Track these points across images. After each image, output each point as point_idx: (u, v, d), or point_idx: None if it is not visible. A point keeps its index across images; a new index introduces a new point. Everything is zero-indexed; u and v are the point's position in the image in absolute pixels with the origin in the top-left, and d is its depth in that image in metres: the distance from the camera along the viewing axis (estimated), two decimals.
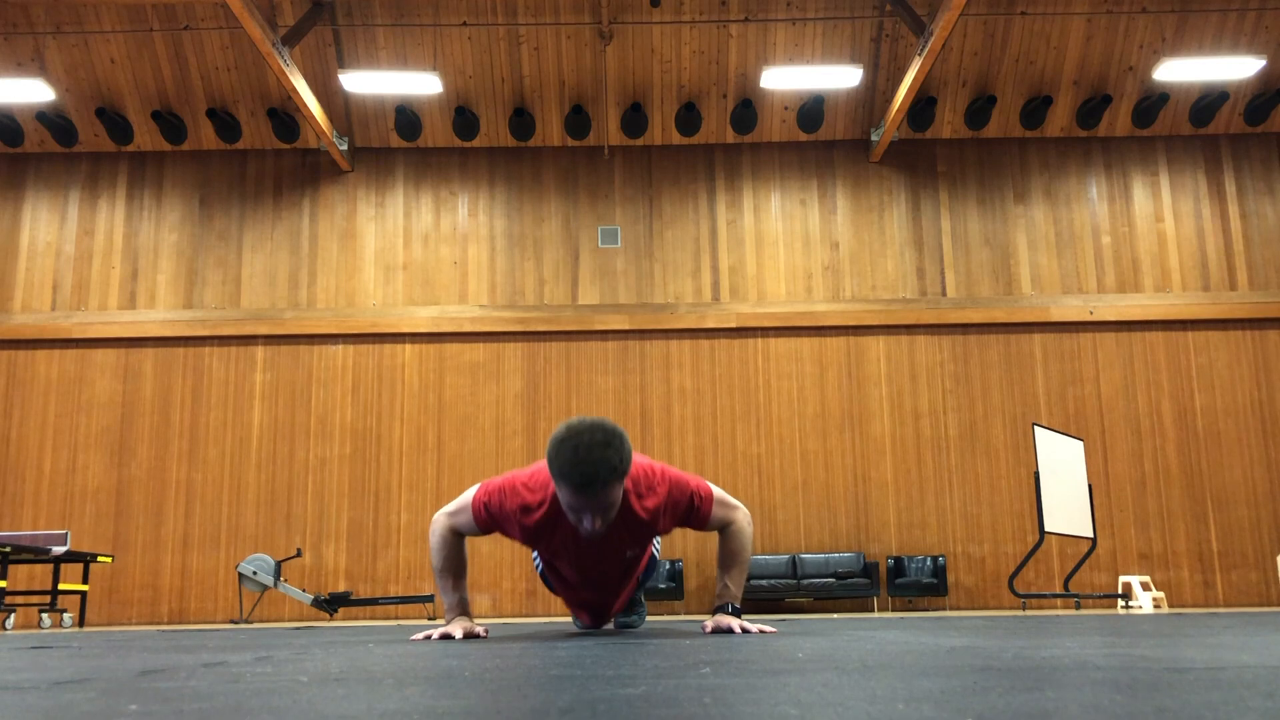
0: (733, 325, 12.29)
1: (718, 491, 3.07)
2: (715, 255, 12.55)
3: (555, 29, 11.90)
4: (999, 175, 12.77)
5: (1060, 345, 12.29)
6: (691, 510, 2.98)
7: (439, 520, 3.05)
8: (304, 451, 12.05)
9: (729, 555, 3.10)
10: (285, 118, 12.26)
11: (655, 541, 3.45)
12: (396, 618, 11.38)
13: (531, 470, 2.96)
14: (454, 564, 3.04)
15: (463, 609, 3.04)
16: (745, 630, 2.92)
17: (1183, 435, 12.07)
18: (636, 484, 2.89)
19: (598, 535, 2.81)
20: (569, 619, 6.83)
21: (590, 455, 2.58)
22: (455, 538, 3.04)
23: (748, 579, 11.15)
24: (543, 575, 3.42)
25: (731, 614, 3.04)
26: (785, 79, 11.67)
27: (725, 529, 3.10)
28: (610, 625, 3.60)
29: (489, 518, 2.94)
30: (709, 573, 11.77)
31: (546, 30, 11.90)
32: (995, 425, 12.10)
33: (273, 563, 10.61)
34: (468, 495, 3.01)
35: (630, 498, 2.87)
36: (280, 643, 3.09)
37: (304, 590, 11.03)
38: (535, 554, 3.33)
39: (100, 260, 12.56)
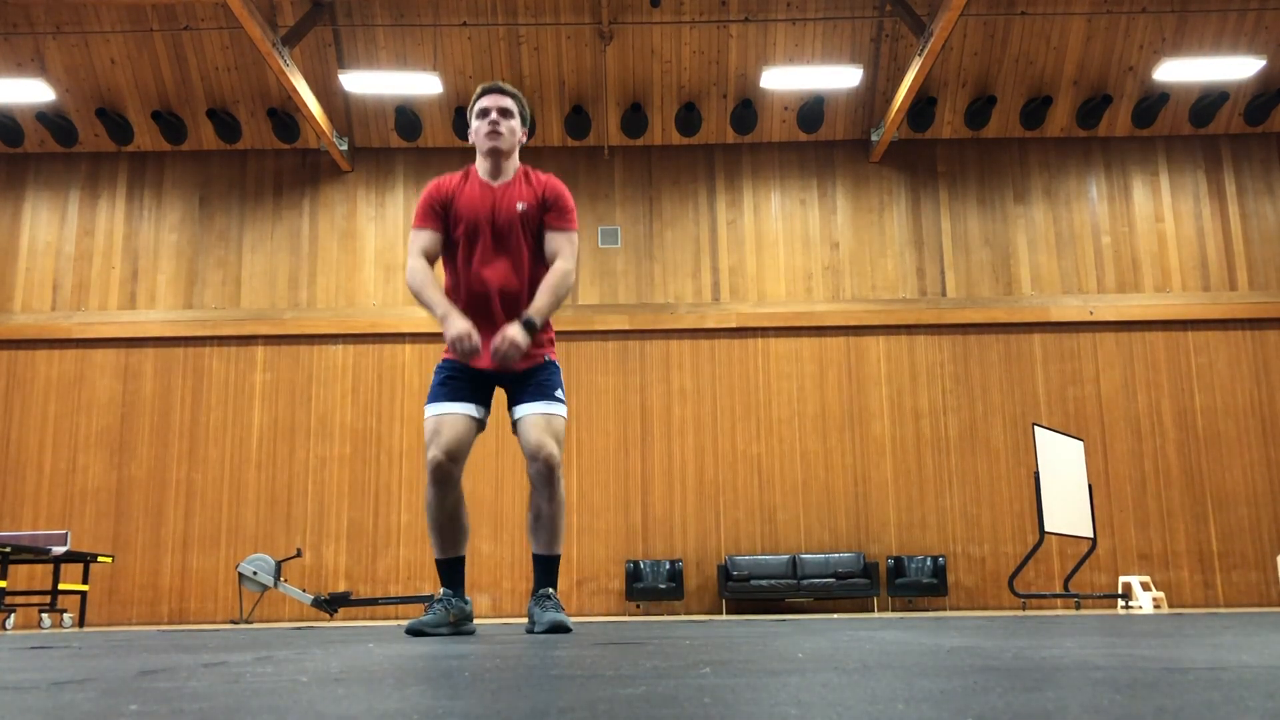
0: (733, 325, 12.29)
1: (575, 236, 3.63)
2: (715, 255, 12.55)
3: (555, 29, 11.90)
4: (999, 175, 12.77)
5: (1060, 345, 12.29)
6: (558, 211, 3.57)
7: (411, 262, 3.53)
8: (304, 451, 12.05)
9: (549, 282, 3.50)
10: (285, 118, 12.26)
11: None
12: (396, 618, 11.38)
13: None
14: (431, 278, 3.50)
15: (453, 310, 3.42)
16: (513, 341, 3.27)
17: (1183, 435, 12.07)
18: (529, 171, 3.65)
19: (499, 140, 3.51)
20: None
21: (497, 83, 3.63)
22: (424, 261, 3.54)
23: (748, 579, 11.17)
24: (451, 266, 3.63)
25: (524, 325, 3.37)
26: (785, 79, 11.67)
27: (557, 257, 3.55)
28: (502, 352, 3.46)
29: (429, 203, 3.56)
30: (709, 573, 11.78)
31: (546, 30, 11.90)
32: (995, 425, 12.10)
33: (273, 563, 10.61)
34: (413, 232, 3.62)
35: (529, 172, 3.62)
36: (280, 643, 3.09)
37: (304, 590, 11.03)
38: (450, 252, 3.64)
39: (100, 260, 12.57)
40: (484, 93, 3.62)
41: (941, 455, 12.03)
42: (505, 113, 3.57)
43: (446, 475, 3.43)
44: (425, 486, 3.47)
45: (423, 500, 12.16)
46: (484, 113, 3.58)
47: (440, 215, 3.56)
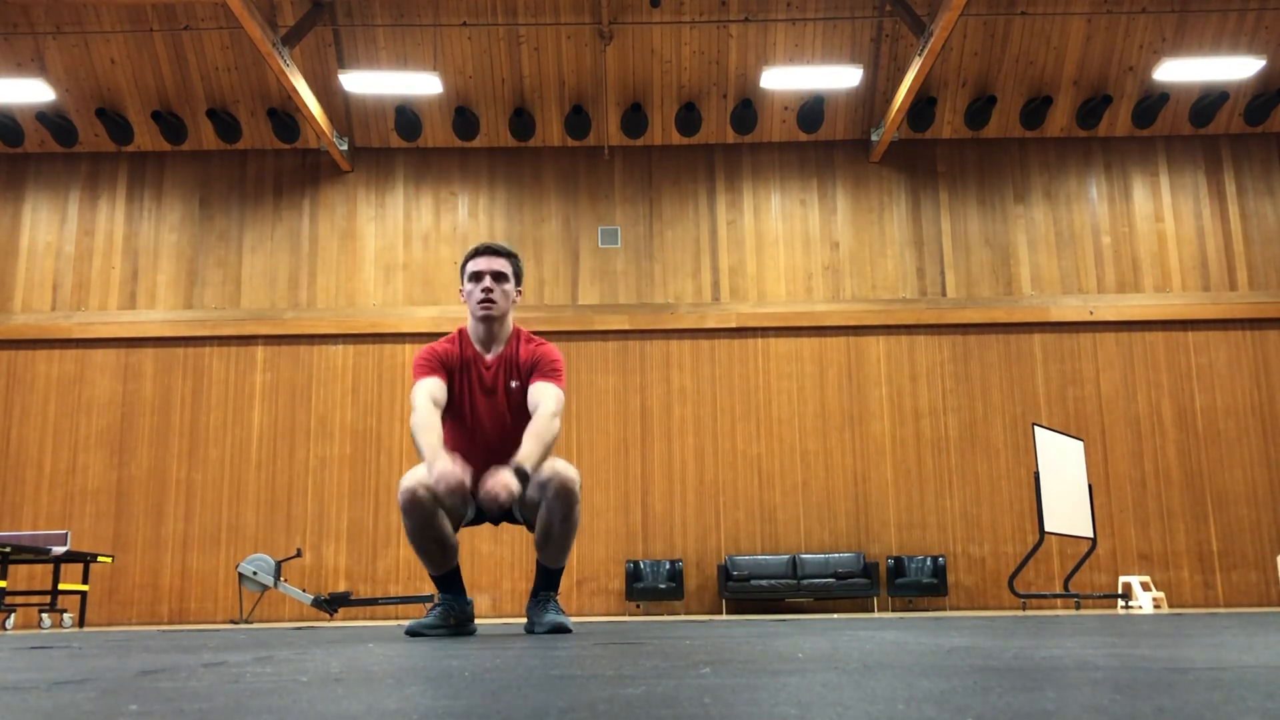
0: (733, 325, 12.29)
1: (561, 391, 3.48)
2: (715, 255, 12.55)
3: (555, 29, 11.90)
4: (999, 175, 12.77)
5: (1060, 345, 12.29)
6: (547, 368, 3.49)
7: (417, 405, 3.36)
8: (304, 451, 12.05)
9: (534, 428, 3.29)
10: (285, 118, 12.26)
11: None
12: (396, 618, 11.38)
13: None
14: (436, 426, 3.31)
15: (443, 452, 3.20)
16: (508, 490, 2.97)
17: (1183, 435, 12.07)
18: (527, 334, 3.62)
19: (491, 309, 3.46)
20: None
21: (492, 243, 3.60)
22: (432, 406, 3.40)
23: (748, 579, 11.17)
24: (450, 427, 3.57)
25: (516, 472, 3.08)
26: (785, 79, 11.67)
27: (543, 403, 3.39)
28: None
29: (430, 362, 3.49)
30: (709, 573, 11.78)
31: (546, 30, 11.90)
32: (995, 425, 12.10)
33: (273, 563, 10.61)
34: (417, 380, 3.51)
35: (521, 338, 3.59)
36: (280, 643, 3.09)
37: (304, 590, 11.03)
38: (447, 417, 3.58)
39: (100, 260, 12.57)
40: (476, 254, 3.54)
41: (941, 455, 12.03)
42: (499, 277, 3.50)
43: (419, 503, 3.24)
44: (400, 511, 3.34)
45: None
46: (476, 276, 3.50)
47: (444, 371, 3.50)
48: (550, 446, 3.28)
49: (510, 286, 3.54)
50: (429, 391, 3.40)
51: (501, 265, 3.51)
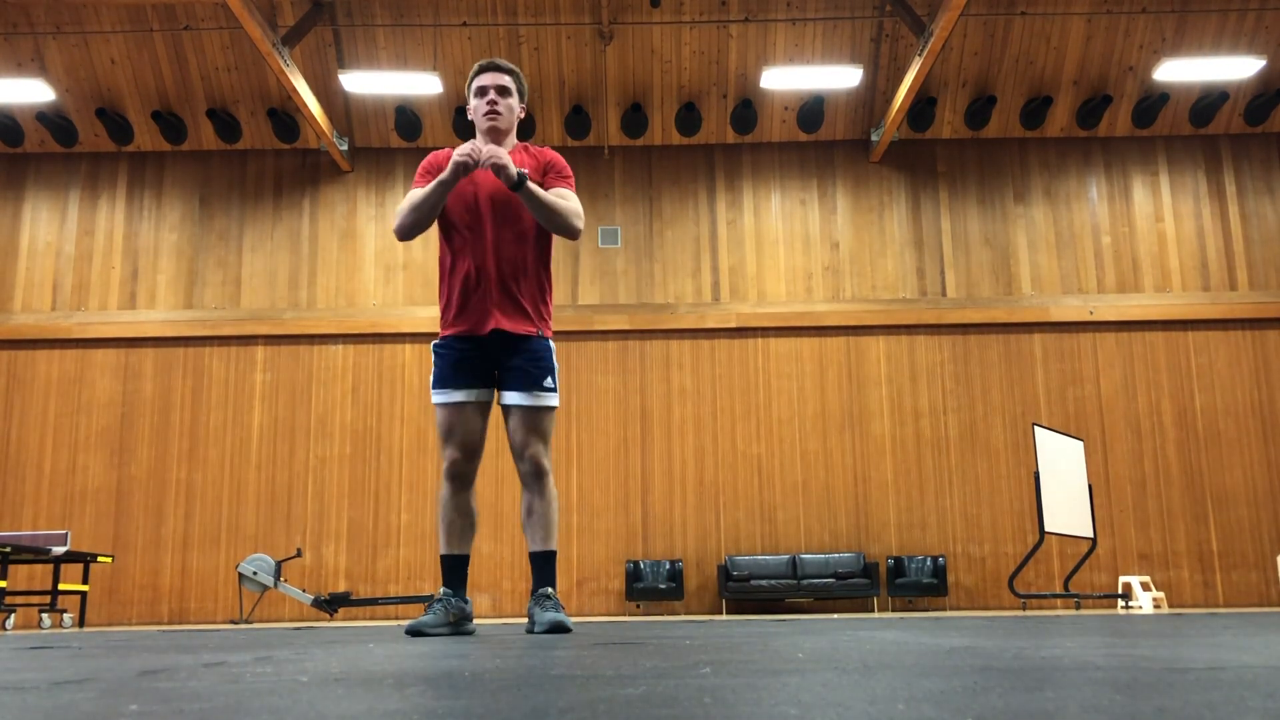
0: (733, 325, 12.29)
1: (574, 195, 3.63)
2: (715, 255, 12.55)
3: (555, 29, 11.90)
4: (999, 175, 12.77)
5: (1060, 345, 12.29)
6: (559, 172, 3.61)
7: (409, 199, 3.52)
8: (304, 451, 12.05)
9: (549, 194, 3.56)
10: (285, 118, 12.26)
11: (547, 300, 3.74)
12: (396, 618, 11.38)
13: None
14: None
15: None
16: (495, 152, 3.35)
17: (1183, 435, 12.07)
18: (528, 148, 3.67)
19: (498, 115, 3.56)
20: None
21: (496, 60, 3.65)
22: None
23: (748, 579, 11.17)
24: (448, 249, 3.61)
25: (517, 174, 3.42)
26: (785, 79, 11.67)
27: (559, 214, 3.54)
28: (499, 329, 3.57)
29: (431, 163, 3.58)
30: (709, 573, 11.78)
31: (546, 30, 11.90)
32: (995, 425, 12.10)
33: (273, 563, 10.61)
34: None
35: (526, 149, 3.65)
36: (280, 643, 3.09)
37: (304, 590, 11.03)
38: (446, 237, 3.63)
39: (100, 260, 12.57)
40: (481, 70, 3.63)
41: (941, 455, 12.03)
42: (503, 90, 3.60)
43: (461, 473, 3.54)
44: (440, 482, 3.55)
45: (423, 500, 12.13)
46: (482, 91, 3.61)
47: (435, 168, 3.60)
48: (557, 211, 3.48)
49: (514, 101, 3.63)
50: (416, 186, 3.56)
51: (506, 81, 3.61)
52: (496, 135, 3.60)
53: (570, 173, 3.67)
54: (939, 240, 12.58)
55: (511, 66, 3.67)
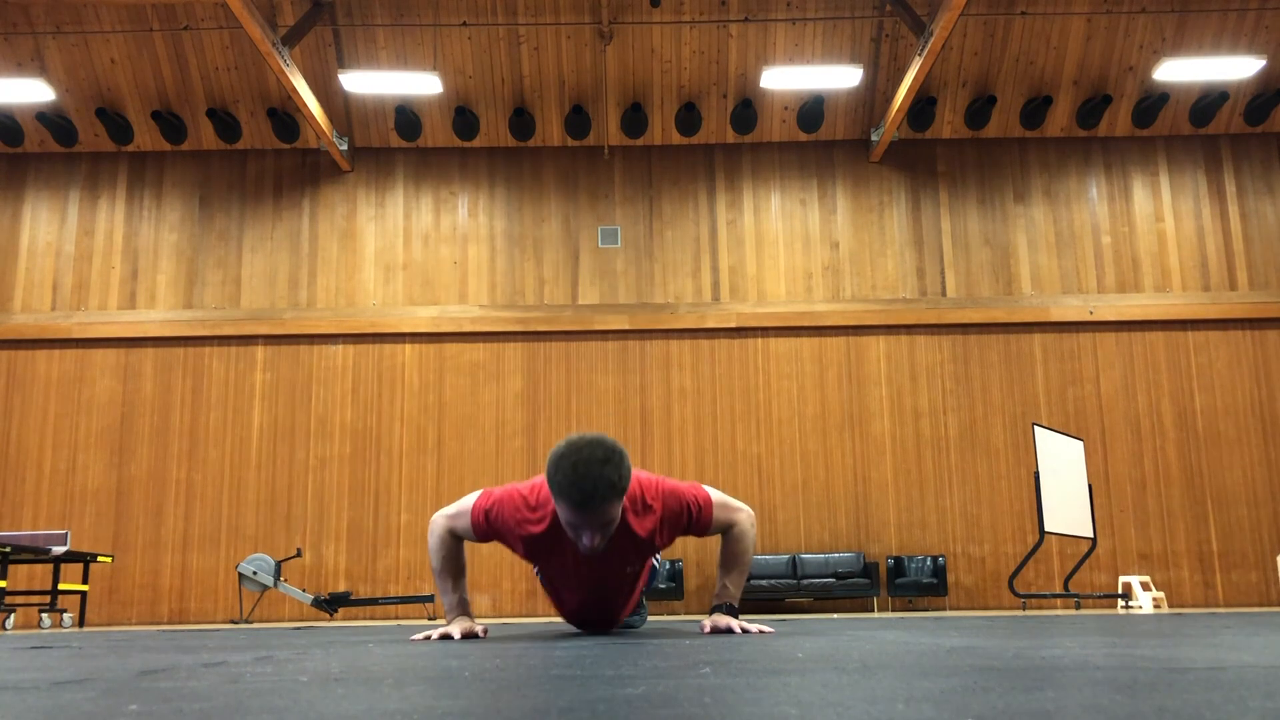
0: (733, 325, 12.29)
1: (716, 495, 3.02)
2: (715, 255, 12.55)
3: (555, 29, 11.89)
4: (999, 175, 12.77)
5: (1060, 345, 12.29)
6: (691, 521, 2.95)
7: (437, 521, 3.02)
8: (304, 451, 12.05)
9: (731, 557, 3.09)
10: (285, 118, 12.26)
11: (655, 558, 3.49)
12: (396, 618, 11.38)
13: (532, 484, 2.92)
14: (453, 565, 3.01)
15: (463, 609, 3.03)
16: (745, 630, 2.93)
17: (1183, 435, 12.07)
18: (634, 502, 2.87)
19: (597, 552, 2.78)
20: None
21: (589, 472, 2.56)
22: (454, 540, 3.01)
23: (748, 579, 11.16)
24: (544, 583, 3.40)
25: (728, 613, 3.04)
26: (785, 79, 11.66)
27: (728, 531, 3.06)
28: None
29: (488, 527, 2.92)
30: (709, 573, 11.77)
31: (546, 30, 11.90)
32: (995, 425, 12.10)
33: (273, 563, 10.61)
34: (468, 501, 2.97)
35: (628, 515, 2.85)
36: (280, 643, 3.09)
37: (304, 590, 11.03)
38: (536, 569, 3.33)
39: (100, 260, 12.57)
40: (573, 507, 2.62)
41: (941, 455, 12.03)
42: (607, 526, 2.71)
43: (451, 540, 3.07)
44: (442, 529, 3.04)
45: (423, 500, 12.09)
46: (576, 529, 2.72)
47: (492, 537, 2.97)
48: (747, 564, 3.08)
49: (617, 519, 2.73)
50: (457, 532, 2.98)
51: (609, 515, 2.67)
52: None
53: (705, 498, 2.97)
54: (939, 240, 12.58)
55: (612, 485, 2.60)
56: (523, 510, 2.86)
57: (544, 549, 2.90)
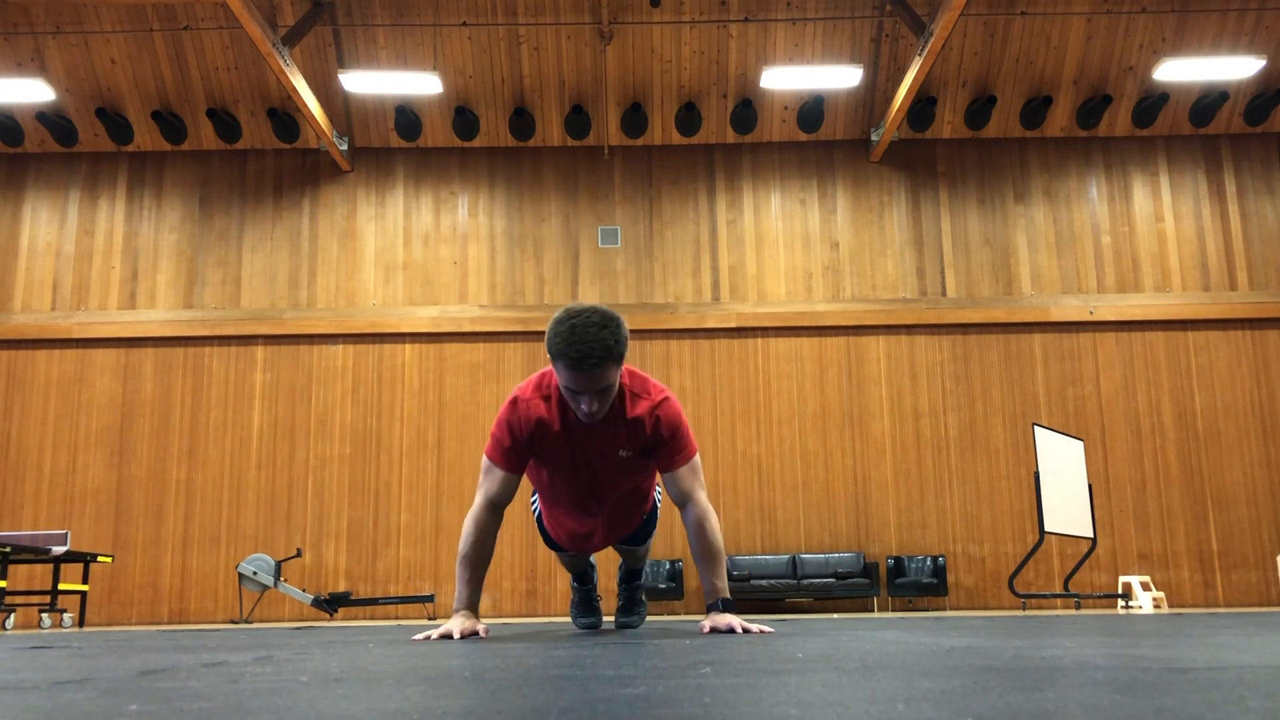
0: (733, 325, 12.29)
1: (698, 461, 3.08)
2: (715, 255, 12.55)
3: (555, 29, 11.90)
4: (999, 175, 12.77)
5: (1060, 345, 12.29)
6: (663, 442, 2.98)
7: (475, 504, 2.99)
8: (304, 451, 12.05)
9: (705, 548, 3.06)
10: (285, 118, 12.27)
11: (656, 491, 3.58)
12: (396, 618, 11.38)
13: (545, 369, 3.00)
14: (477, 549, 2.96)
15: (469, 604, 3.00)
16: (746, 630, 2.93)
17: (1183, 435, 12.07)
18: (633, 382, 2.97)
19: (595, 420, 2.85)
20: (569, 619, 6.82)
21: (586, 334, 2.66)
22: (488, 516, 2.97)
23: (748, 579, 11.16)
24: (541, 526, 3.46)
25: (726, 610, 3.04)
26: (785, 79, 11.67)
27: (689, 508, 3.06)
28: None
29: (508, 441, 2.94)
30: None
31: (546, 30, 11.90)
32: (995, 425, 12.10)
33: (273, 563, 10.61)
34: (487, 461, 3.00)
35: (625, 395, 2.93)
36: (280, 643, 3.09)
37: (304, 590, 11.03)
38: (534, 498, 3.39)
39: (100, 260, 12.57)
40: (570, 364, 2.69)
41: (941, 455, 12.03)
42: (604, 392, 2.79)
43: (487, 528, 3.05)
44: (480, 509, 2.98)
45: (423, 500, 12.09)
46: (573, 393, 2.79)
47: (523, 456, 2.97)
48: (721, 555, 3.09)
49: (614, 382, 2.81)
50: (493, 493, 2.95)
51: (606, 380, 2.74)
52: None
53: (684, 434, 3.01)
54: (939, 240, 12.58)
55: (608, 349, 2.69)
56: (530, 391, 2.95)
57: (548, 434, 2.94)
